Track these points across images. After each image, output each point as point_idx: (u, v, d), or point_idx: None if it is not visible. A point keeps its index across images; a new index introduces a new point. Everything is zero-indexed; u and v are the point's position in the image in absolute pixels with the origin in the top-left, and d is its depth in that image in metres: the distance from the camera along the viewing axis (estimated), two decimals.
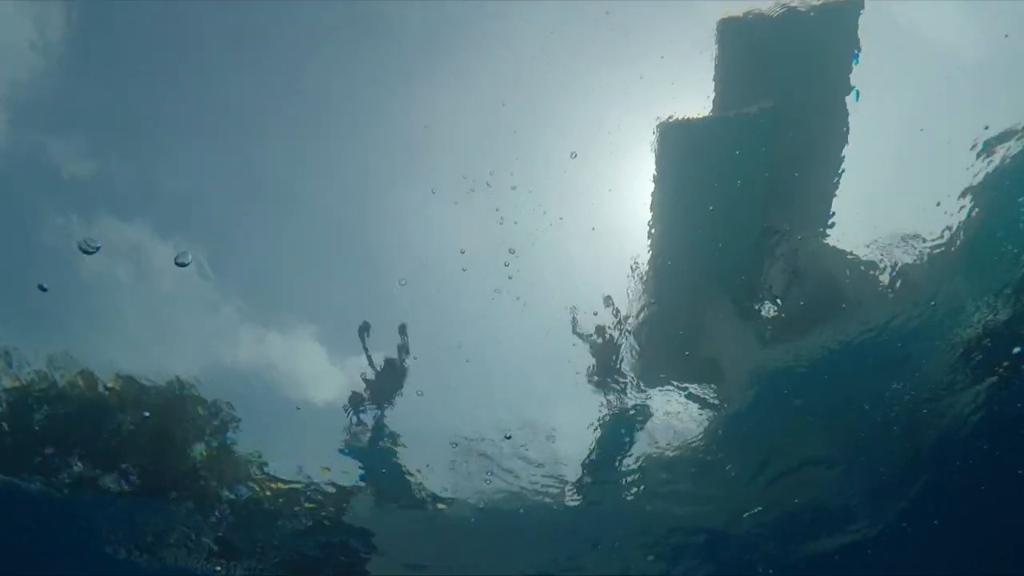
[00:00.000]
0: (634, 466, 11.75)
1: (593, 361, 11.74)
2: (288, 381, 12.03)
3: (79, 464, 10.75)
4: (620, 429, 11.86)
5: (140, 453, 10.77)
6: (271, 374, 12.03)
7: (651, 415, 11.68)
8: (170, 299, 11.53)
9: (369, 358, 11.33)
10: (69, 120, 11.05)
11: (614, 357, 11.70)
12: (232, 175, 11.96)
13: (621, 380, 11.74)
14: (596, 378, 11.80)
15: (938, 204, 10.74)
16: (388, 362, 11.47)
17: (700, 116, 10.54)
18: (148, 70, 11.13)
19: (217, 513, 11.33)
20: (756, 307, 11.47)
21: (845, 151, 11.76)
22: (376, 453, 12.07)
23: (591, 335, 11.70)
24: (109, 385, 10.41)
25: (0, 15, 10.76)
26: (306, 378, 12.12)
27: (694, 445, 11.25)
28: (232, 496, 11.25)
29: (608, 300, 11.49)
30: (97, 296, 11.00)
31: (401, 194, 12.41)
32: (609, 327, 11.58)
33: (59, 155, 10.97)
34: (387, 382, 11.50)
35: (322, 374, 12.26)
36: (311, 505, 11.81)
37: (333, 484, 11.87)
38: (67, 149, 10.97)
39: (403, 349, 11.41)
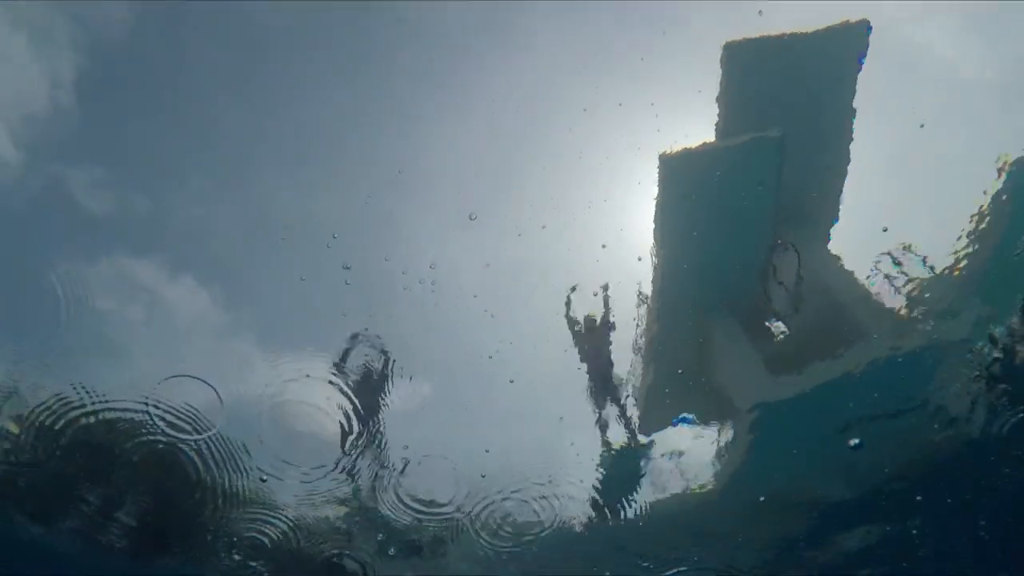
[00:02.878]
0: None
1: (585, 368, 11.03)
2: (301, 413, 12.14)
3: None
4: (625, 466, 11.54)
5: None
6: (284, 406, 12.17)
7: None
8: (183, 333, 11.75)
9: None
10: (83, 156, 11.30)
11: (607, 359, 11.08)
12: (243, 209, 12.16)
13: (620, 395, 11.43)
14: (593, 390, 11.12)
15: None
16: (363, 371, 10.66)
17: (703, 144, 10.42)
18: (158, 108, 11.35)
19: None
20: (764, 330, 11.38)
21: (850, 168, 11.70)
22: None
23: (578, 324, 10.90)
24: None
25: (16, 55, 11.08)
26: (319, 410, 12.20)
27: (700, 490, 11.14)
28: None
29: (606, 288, 10.84)
30: (110, 332, 11.22)
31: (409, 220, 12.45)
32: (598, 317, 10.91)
33: (76, 191, 11.26)
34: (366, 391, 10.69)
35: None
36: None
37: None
38: (82, 184, 11.24)
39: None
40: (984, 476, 11.10)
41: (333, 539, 11.58)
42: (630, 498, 11.28)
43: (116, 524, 11.10)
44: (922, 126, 10.73)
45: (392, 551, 11.74)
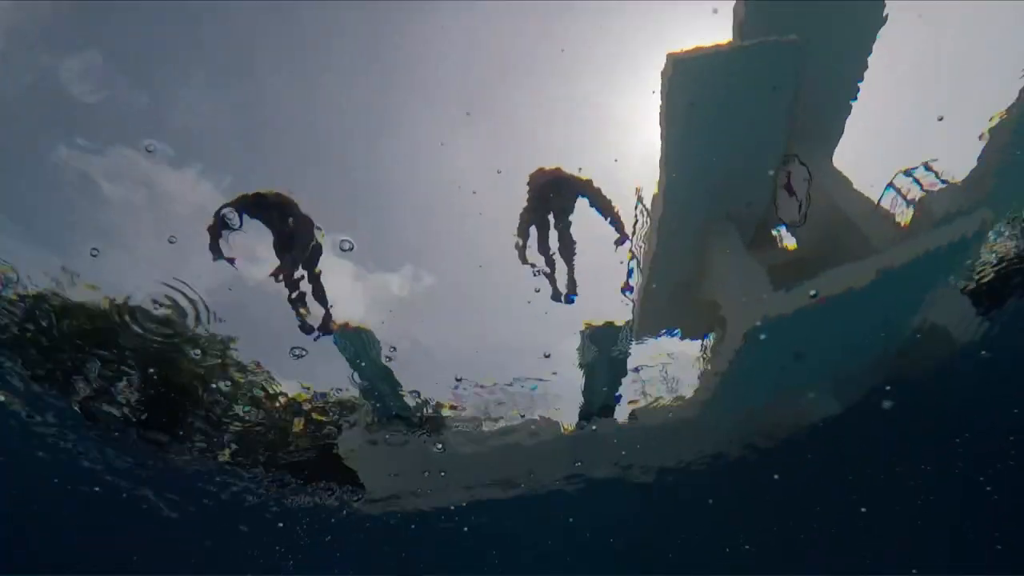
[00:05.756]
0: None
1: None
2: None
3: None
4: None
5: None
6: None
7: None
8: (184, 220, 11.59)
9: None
10: (80, 44, 10.85)
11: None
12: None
13: None
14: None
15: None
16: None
17: (716, 45, 9.95)
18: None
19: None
20: (767, 243, 11.28)
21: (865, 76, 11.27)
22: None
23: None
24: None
25: None
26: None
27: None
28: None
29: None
30: (109, 217, 11.07)
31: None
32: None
33: (70, 79, 10.88)
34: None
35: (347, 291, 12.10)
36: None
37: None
38: (78, 73, 10.86)
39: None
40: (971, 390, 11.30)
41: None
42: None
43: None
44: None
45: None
